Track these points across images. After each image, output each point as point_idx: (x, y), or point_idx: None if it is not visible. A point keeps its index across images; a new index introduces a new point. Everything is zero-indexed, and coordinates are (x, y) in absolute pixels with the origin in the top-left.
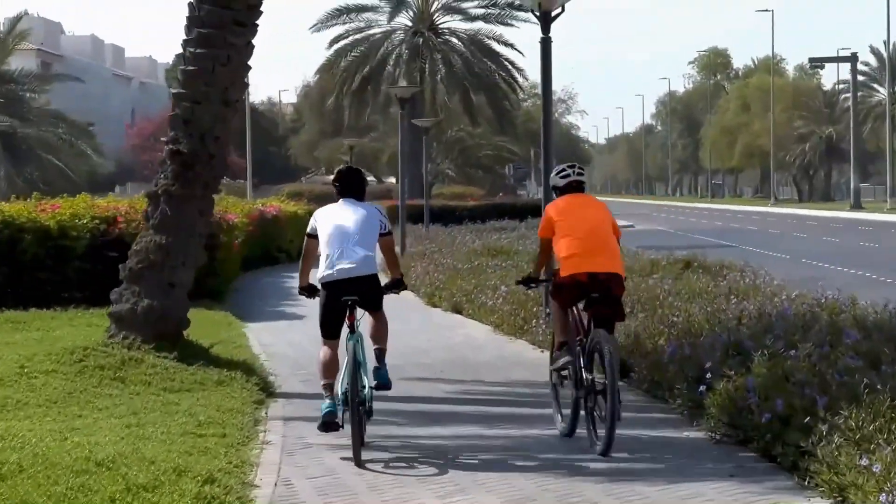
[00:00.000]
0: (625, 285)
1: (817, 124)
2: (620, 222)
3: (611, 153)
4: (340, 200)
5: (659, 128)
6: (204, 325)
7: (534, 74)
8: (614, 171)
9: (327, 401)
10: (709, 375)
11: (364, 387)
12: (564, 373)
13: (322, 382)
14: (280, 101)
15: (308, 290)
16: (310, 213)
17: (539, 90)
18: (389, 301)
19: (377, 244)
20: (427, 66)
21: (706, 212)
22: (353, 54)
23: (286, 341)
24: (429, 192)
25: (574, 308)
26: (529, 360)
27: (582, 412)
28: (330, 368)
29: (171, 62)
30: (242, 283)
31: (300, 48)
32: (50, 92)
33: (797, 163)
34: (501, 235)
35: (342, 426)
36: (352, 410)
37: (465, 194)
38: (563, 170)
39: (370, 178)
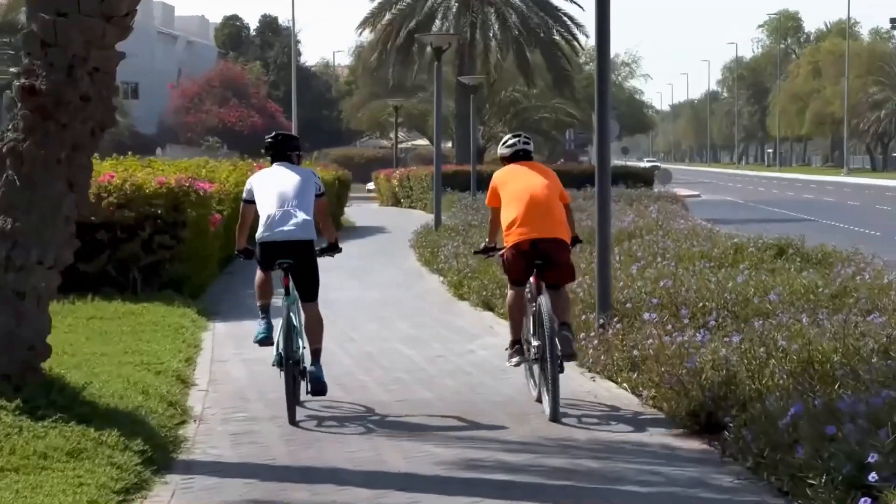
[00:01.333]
0: (570, 249)
1: (893, 90)
2: (685, 191)
3: (674, 120)
4: (275, 164)
5: (725, 94)
6: (143, 329)
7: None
8: (677, 139)
9: (262, 324)
10: (874, 477)
11: (298, 348)
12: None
13: (258, 303)
14: (334, 62)
15: (244, 253)
16: (339, 179)
17: None
18: (408, 296)
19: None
20: (479, 20)
21: (775, 181)
22: (398, 7)
23: (247, 356)
24: (478, 157)
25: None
26: (577, 401)
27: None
28: (264, 289)
29: (221, 21)
30: (241, 264)
31: (355, 6)
32: None
33: (871, 130)
34: None
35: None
36: (286, 371)
37: None
38: (508, 140)
39: (423, 143)
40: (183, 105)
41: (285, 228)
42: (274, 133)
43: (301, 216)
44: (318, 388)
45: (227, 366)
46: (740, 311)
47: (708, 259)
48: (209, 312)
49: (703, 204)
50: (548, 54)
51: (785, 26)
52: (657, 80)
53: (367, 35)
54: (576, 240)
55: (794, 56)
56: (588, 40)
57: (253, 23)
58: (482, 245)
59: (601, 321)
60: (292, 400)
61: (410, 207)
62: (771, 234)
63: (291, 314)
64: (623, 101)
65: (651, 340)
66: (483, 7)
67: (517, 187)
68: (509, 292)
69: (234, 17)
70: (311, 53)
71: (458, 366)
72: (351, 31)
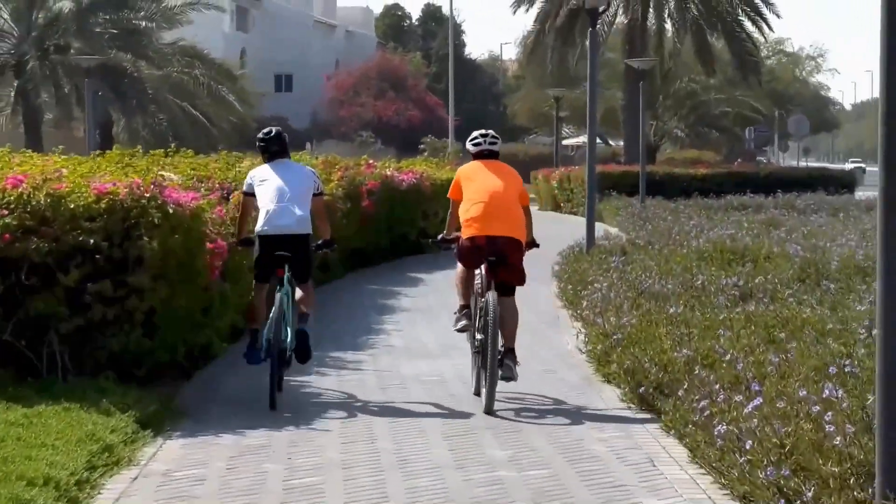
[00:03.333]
0: (524, 250)
1: None
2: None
3: (856, 120)
4: (276, 161)
5: None
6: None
7: (784, 18)
8: (861, 139)
9: (254, 351)
10: None
11: (287, 337)
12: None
13: (250, 326)
14: (501, 55)
15: (244, 243)
16: None
17: (785, 47)
18: (524, 370)
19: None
20: None
21: None
22: None
23: None
24: (649, 156)
25: (479, 273)
26: None
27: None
28: (258, 312)
29: (382, 10)
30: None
31: None
32: (236, 40)
33: None
34: (742, 218)
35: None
36: (271, 357)
37: (700, 160)
38: (476, 138)
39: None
40: (337, 98)
41: (283, 223)
42: (272, 130)
43: (298, 212)
44: (302, 349)
45: None
46: None
47: None
48: (168, 415)
49: None
50: (731, 38)
51: None
52: (844, 75)
53: (525, 15)
54: (532, 243)
55: None
56: (780, 20)
57: (415, 12)
58: (440, 237)
59: None
60: (274, 387)
61: (571, 213)
62: None
63: (283, 304)
64: (808, 97)
65: None
66: None
67: (478, 186)
68: (459, 268)
69: (396, 7)
70: (477, 46)
71: None
72: (519, 23)
